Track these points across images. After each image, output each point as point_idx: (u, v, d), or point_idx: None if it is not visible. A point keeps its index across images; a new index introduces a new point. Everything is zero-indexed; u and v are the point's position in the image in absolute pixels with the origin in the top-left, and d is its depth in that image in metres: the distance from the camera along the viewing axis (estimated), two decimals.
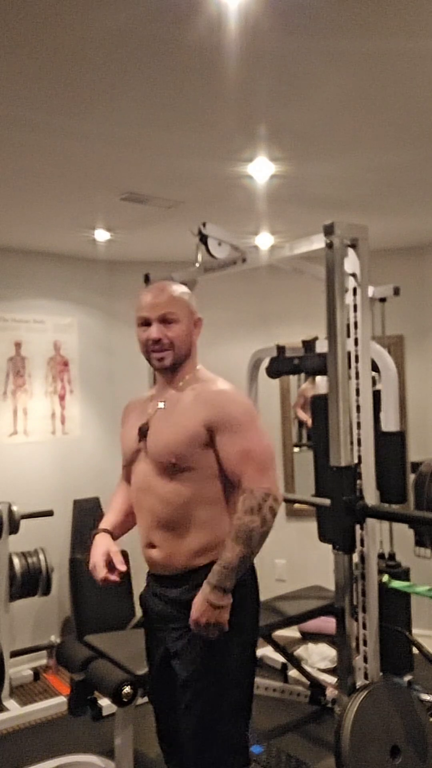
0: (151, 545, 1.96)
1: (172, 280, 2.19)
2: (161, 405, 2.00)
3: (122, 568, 1.96)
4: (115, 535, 2.10)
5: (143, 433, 1.98)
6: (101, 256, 4.54)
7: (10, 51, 1.86)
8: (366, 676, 2.48)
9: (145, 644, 2.13)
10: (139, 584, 4.19)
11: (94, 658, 2.67)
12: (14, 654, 3.90)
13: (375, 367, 2.86)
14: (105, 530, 2.09)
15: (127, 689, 2.48)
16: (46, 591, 3.94)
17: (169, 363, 1.97)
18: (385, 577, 2.78)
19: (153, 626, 2.06)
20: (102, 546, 2.02)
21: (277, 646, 3.55)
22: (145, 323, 1.96)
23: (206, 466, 1.89)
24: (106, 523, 2.13)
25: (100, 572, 1.97)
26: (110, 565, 1.98)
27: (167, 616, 1.97)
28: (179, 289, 2.01)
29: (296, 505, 4.62)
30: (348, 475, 2.42)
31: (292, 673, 3.78)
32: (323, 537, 3.38)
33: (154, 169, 2.87)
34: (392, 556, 3.31)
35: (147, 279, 3.54)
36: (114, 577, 1.97)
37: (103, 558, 1.99)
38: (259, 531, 1.80)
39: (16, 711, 3.55)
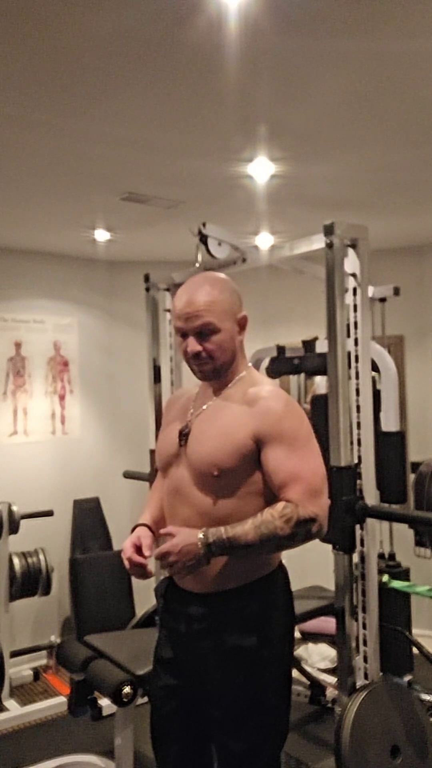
0: None
1: (212, 271, 1.92)
2: (205, 407, 1.82)
3: (147, 552, 1.80)
4: (155, 532, 1.91)
5: (184, 436, 1.81)
6: (101, 256, 4.54)
7: (11, 51, 1.86)
8: (366, 676, 2.48)
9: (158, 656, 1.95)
10: (139, 584, 4.22)
11: (94, 658, 2.67)
12: (14, 654, 3.90)
13: (375, 367, 2.86)
14: (144, 525, 1.92)
15: (127, 689, 2.48)
16: (46, 591, 3.95)
17: (211, 374, 1.80)
18: (385, 577, 2.77)
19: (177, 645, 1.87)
20: (136, 532, 1.88)
21: None
22: (182, 334, 1.77)
23: (251, 481, 1.72)
24: (144, 518, 1.95)
25: (126, 552, 1.81)
26: (138, 550, 1.82)
27: (192, 634, 1.80)
28: (218, 288, 1.77)
29: None
30: (348, 475, 2.42)
31: (293, 672, 3.78)
32: (323, 537, 3.37)
33: (154, 169, 2.87)
34: (392, 556, 3.31)
35: (147, 279, 3.54)
36: (138, 558, 1.78)
37: (131, 541, 1.82)
38: (281, 541, 1.66)
39: (16, 711, 3.55)
